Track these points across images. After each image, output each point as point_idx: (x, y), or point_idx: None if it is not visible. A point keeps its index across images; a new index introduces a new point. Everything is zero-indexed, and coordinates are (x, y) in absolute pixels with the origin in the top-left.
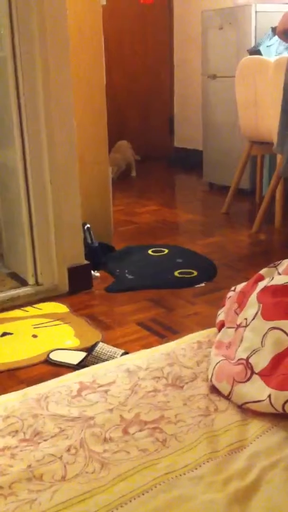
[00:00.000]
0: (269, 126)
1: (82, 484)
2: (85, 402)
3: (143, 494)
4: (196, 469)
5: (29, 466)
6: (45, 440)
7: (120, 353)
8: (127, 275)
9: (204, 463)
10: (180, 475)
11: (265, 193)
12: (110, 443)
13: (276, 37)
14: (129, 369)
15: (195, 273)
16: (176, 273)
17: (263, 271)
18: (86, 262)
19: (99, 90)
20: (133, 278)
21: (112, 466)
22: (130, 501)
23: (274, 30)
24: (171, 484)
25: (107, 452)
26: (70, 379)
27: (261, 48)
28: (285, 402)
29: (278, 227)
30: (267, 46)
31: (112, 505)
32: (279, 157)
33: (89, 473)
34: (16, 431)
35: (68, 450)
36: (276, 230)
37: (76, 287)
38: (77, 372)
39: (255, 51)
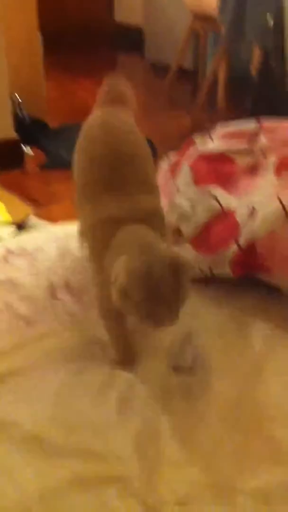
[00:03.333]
0: None
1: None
2: (11, 268)
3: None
4: None
5: None
6: None
7: None
8: (61, 153)
9: None
10: None
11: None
12: (36, 305)
13: None
14: (58, 237)
15: None
16: None
17: (194, 136)
18: (15, 135)
19: None
20: (69, 155)
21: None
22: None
23: None
24: None
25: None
26: None
27: None
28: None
29: (221, 109)
30: None
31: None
32: (223, 30)
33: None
34: None
35: None
36: (218, 112)
37: (5, 163)
38: (3, 240)
39: None
